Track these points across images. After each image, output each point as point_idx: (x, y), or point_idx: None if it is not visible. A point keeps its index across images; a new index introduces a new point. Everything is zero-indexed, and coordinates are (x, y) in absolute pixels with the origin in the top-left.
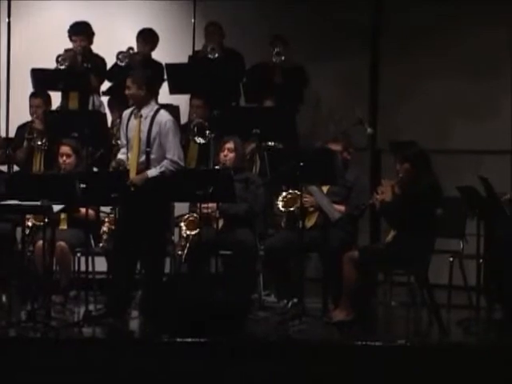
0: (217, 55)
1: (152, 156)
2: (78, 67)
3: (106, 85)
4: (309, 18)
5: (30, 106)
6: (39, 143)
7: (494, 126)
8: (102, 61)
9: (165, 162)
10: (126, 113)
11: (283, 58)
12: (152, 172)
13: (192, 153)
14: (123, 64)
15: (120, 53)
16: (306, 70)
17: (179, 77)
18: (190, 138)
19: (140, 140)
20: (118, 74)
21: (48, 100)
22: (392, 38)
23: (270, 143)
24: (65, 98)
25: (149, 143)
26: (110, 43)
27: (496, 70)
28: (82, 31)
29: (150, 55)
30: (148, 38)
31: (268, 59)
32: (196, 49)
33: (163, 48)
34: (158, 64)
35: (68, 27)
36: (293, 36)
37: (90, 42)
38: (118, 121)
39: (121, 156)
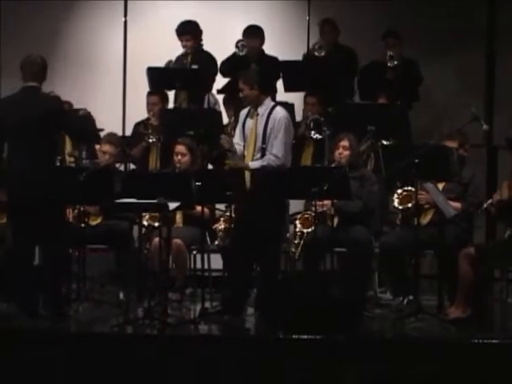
0: (323, 53)
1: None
2: (188, 67)
3: (221, 82)
4: (424, 15)
5: (147, 104)
6: (154, 140)
7: None
8: (213, 59)
9: (267, 156)
10: (243, 113)
11: (396, 62)
12: (254, 164)
13: (307, 150)
14: (242, 54)
15: (239, 41)
16: (419, 66)
17: (293, 74)
18: (306, 134)
19: (256, 137)
20: (232, 67)
21: (165, 98)
22: (508, 34)
23: (384, 141)
24: (177, 97)
25: (264, 140)
26: (224, 43)
27: None
28: (188, 31)
29: (262, 50)
30: (254, 34)
31: (382, 58)
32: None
33: (278, 46)
34: (272, 58)
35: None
36: (408, 34)
37: (198, 40)
38: (233, 119)
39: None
